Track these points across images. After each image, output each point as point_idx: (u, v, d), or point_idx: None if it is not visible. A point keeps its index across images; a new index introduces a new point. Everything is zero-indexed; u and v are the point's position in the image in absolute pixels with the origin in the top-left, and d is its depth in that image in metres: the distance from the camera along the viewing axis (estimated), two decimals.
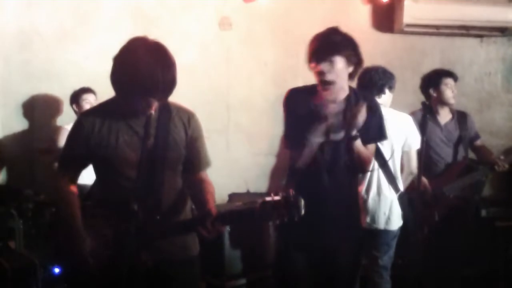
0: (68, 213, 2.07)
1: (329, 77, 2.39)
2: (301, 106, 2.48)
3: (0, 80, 3.95)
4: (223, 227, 1.96)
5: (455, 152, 3.70)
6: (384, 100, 3.21)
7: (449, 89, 3.64)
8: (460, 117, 3.76)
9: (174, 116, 2.10)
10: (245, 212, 1.95)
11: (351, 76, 2.50)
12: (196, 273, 2.20)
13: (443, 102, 3.67)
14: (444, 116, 3.73)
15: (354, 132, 2.42)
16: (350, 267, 2.63)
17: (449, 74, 3.68)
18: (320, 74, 2.40)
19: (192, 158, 2.17)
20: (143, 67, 1.87)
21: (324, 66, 2.38)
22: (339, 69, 2.40)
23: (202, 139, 2.21)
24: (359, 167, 2.55)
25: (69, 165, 2.12)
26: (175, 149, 2.08)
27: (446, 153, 3.68)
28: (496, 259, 3.93)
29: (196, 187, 2.18)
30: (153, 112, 1.87)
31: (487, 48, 4.49)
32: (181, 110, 2.14)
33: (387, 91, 3.21)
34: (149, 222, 1.96)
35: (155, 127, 2.03)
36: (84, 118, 2.09)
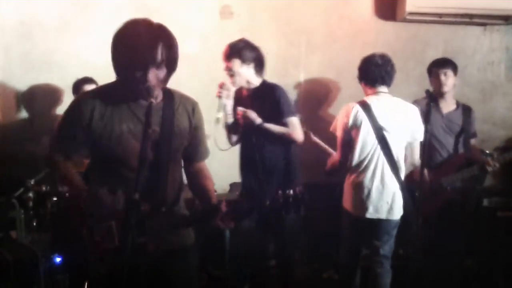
0: (79, 196, 2.02)
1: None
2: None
3: (0, 70, 3.94)
4: (234, 220, 1.97)
5: (456, 143, 3.69)
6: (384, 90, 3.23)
7: (436, 80, 3.65)
8: (465, 110, 3.76)
9: (178, 105, 2.07)
10: (256, 207, 1.98)
11: (257, 70, 3.24)
12: (193, 263, 2.18)
13: (436, 91, 3.65)
14: (447, 105, 3.73)
15: (258, 120, 3.12)
16: None
17: (440, 64, 3.68)
18: (227, 69, 3.22)
19: (194, 148, 2.16)
20: (141, 39, 1.82)
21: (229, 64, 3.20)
22: (237, 67, 3.18)
23: (204, 129, 2.19)
24: (288, 140, 3.17)
25: (68, 149, 2.05)
26: (179, 138, 2.05)
27: (447, 142, 3.68)
28: (497, 249, 3.91)
29: (196, 176, 2.18)
30: (153, 100, 1.83)
31: (490, 37, 4.44)
32: (185, 99, 2.11)
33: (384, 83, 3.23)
34: (152, 213, 1.92)
35: (161, 116, 1.98)
36: (83, 102, 1.98)
